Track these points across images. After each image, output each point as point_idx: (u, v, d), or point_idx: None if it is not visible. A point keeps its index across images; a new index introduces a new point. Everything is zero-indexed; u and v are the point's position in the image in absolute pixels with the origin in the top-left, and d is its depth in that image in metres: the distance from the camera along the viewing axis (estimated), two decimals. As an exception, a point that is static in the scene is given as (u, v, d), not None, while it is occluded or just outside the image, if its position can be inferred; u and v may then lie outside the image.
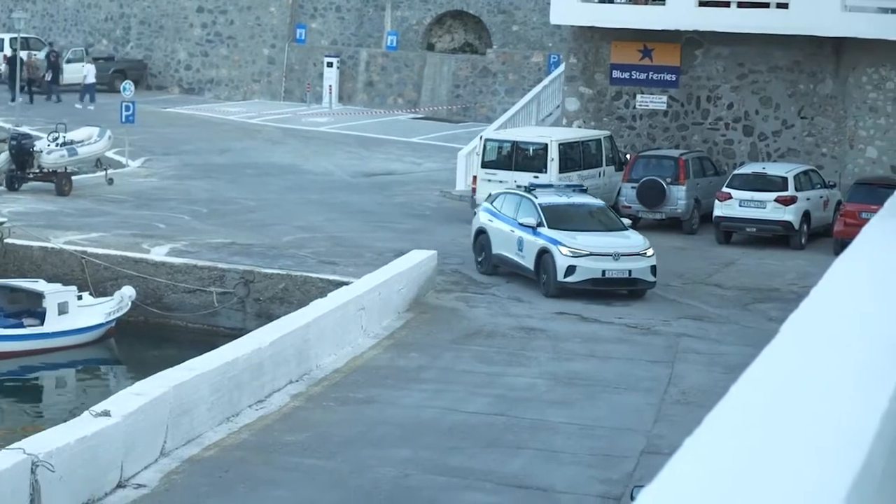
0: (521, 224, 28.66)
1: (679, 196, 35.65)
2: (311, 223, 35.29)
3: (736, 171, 35.90)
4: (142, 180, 41.25)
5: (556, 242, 27.87)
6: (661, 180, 35.55)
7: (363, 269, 28.12)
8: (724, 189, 34.75)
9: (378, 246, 32.28)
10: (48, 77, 57.18)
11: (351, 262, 30.37)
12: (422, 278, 27.78)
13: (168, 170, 43.19)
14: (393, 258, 28.70)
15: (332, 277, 28.78)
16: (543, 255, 28.17)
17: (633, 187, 35.72)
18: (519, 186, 30.93)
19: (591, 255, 27.85)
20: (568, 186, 30.67)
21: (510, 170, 35.77)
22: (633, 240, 28.52)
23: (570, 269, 27.75)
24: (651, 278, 28.19)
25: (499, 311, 26.98)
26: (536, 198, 29.04)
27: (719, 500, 4.22)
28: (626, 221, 29.49)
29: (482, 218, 30.39)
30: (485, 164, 35.98)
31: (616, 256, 27.96)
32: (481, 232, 30.20)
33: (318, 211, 37.13)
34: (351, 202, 38.75)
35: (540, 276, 28.30)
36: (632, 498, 13.23)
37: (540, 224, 28.40)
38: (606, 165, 37.38)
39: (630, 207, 35.86)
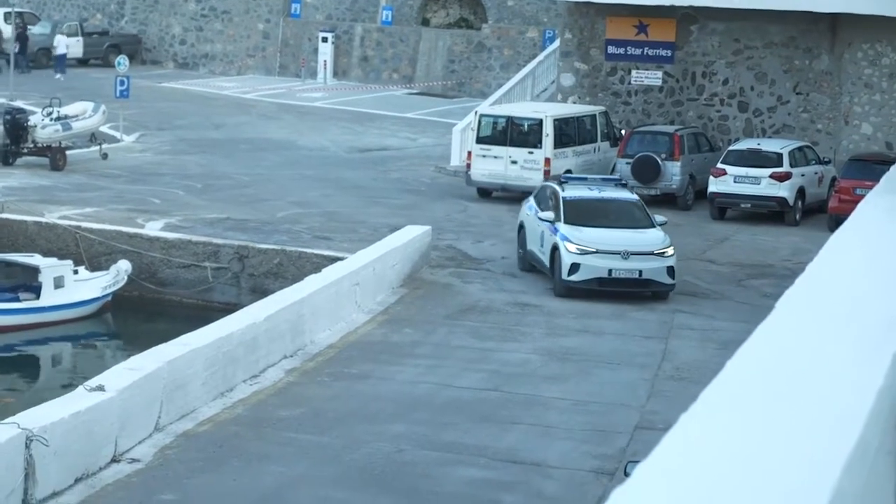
0: (540, 219, 26.90)
1: (674, 172, 35.65)
2: (305, 198, 35.26)
3: (731, 147, 35.89)
4: (136, 155, 41.18)
5: (564, 238, 25.99)
6: (655, 156, 35.54)
7: (358, 245, 28.11)
8: (719, 165, 34.75)
9: (373, 221, 32.26)
10: (16, 49, 57.17)
11: (345, 238, 30.36)
12: (416, 254, 27.77)
13: (162, 145, 43.12)
14: (387, 234, 28.68)
15: (326, 253, 28.77)
16: (555, 251, 26.33)
17: (627, 163, 35.71)
18: (558, 176, 29.20)
19: (598, 252, 25.77)
20: (605, 180, 28.62)
21: (505, 145, 35.76)
22: (652, 238, 26.19)
23: (574, 267, 25.74)
24: (668, 280, 25.94)
25: (493, 287, 26.99)
26: (563, 191, 27.03)
27: (714, 476, 4.22)
28: (660, 219, 26.95)
29: (523, 211, 28.76)
30: (480, 140, 35.96)
31: (625, 255, 25.75)
32: (521, 227, 28.53)
33: (313, 186, 37.09)
34: (345, 177, 38.71)
35: (553, 275, 26.59)
36: (625, 473, 13.23)
37: (558, 219, 26.42)
38: (601, 141, 37.39)
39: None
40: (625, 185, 27.98)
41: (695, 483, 4.15)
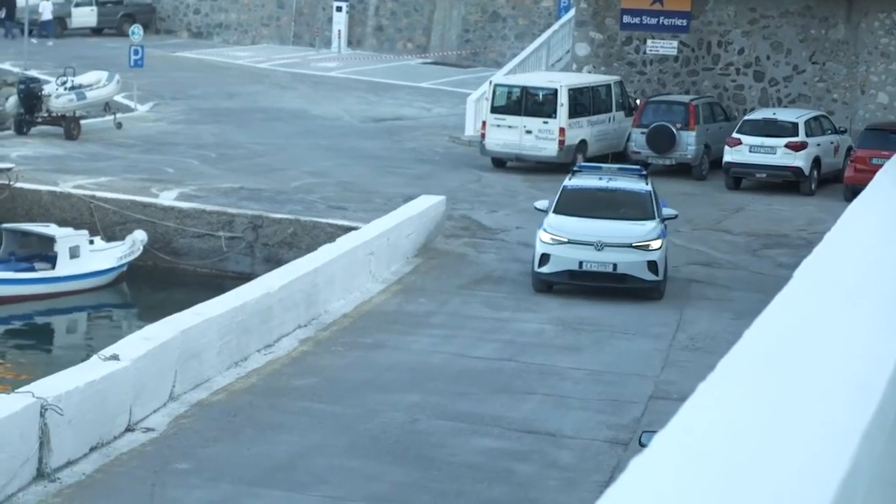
0: (536, 208, 25.38)
1: (689, 142, 35.54)
2: (319, 168, 35.22)
3: (746, 117, 35.76)
4: (150, 125, 41.15)
5: (541, 227, 24.23)
6: (670, 126, 35.43)
7: (372, 215, 28.07)
8: (735, 135, 34.64)
9: (387, 191, 32.21)
10: (2, 14, 57.16)
11: (360, 208, 30.32)
12: (431, 224, 27.72)
13: (177, 114, 43.08)
14: (402, 203, 28.64)
15: (340, 222, 28.74)
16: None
17: (642, 133, 35.62)
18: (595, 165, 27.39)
19: (570, 242, 23.71)
20: (623, 170, 26.40)
21: (520, 115, 35.69)
22: (637, 230, 23.98)
23: (545, 258, 23.80)
24: (648, 276, 23.69)
25: (507, 257, 26.95)
26: (570, 179, 25.25)
27: (732, 446, 4.19)
28: (668, 212, 24.98)
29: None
30: (494, 110, 35.89)
31: (599, 245, 23.61)
32: None
33: (327, 156, 37.04)
34: (360, 147, 38.65)
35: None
36: (640, 443, 13.20)
37: (550, 208, 24.68)
38: (616, 111, 37.27)
39: (640, 153, 35.78)
40: (644, 176, 25.53)
41: (712, 453, 4.12)
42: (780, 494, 3.85)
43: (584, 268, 23.67)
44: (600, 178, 25.22)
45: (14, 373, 24.08)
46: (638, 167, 27.11)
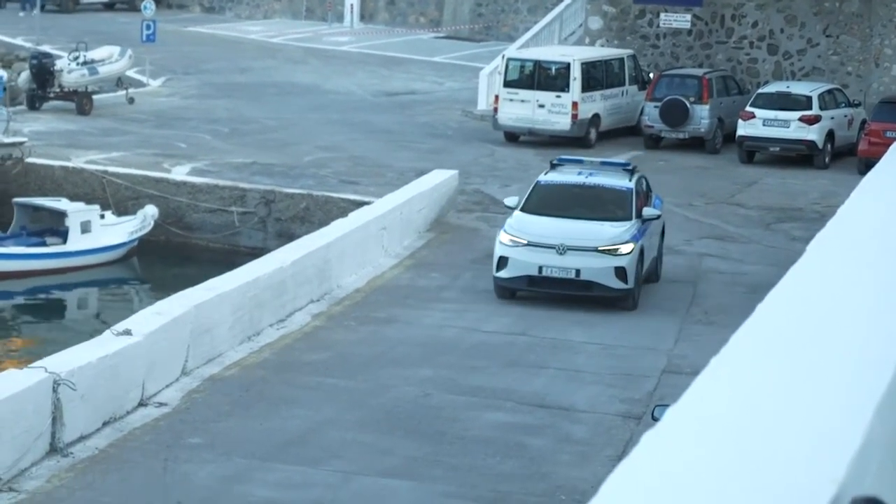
0: (505, 206, 23.14)
1: (702, 115, 35.43)
2: (332, 143, 35.17)
3: (760, 90, 35.64)
4: (163, 99, 41.12)
5: (503, 227, 22.21)
6: (684, 99, 35.33)
7: (384, 189, 28.03)
8: (748, 108, 34.53)
9: (399, 166, 32.17)
10: None
11: (372, 182, 30.29)
12: (443, 198, 27.68)
13: (189, 89, 43.04)
14: (414, 178, 28.59)
15: (353, 197, 28.71)
16: None
17: (655, 106, 35.53)
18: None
19: (529, 244, 21.52)
20: (606, 164, 24.01)
21: (532, 89, 35.61)
22: (607, 232, 21.67)
23: (503, 262, 21.63)
24: (615, 284, 21.33)
25: (520, 231, 26.86)
26: (545, 174, 23.25)
27: (745, 419, 4.15)
28: (650, 212, 22.47)
29: None
30: (507, 84, 35.82)
31: (561, 249, 21.34)
32: None
33: (340, 131, 36.98)
34: (372, 122, 38.59)
35: None
36: (653, 417, 13.15)
37: (518, 205, 22.57)
38: (629, 85, 37.18)
39: (653, 127, 35.70)
40: (630, 171, 23.06)
41: (724, 427, 4.09)
42: (793, 469, 3.82)
43: (544, 273, 21.39)
44: (579, 174, 22.92)
45: (26, 348, 24.11)
46: (624, 161, 24.58)
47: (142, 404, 16.18)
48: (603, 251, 21.36)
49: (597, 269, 21.32)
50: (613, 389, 17.84)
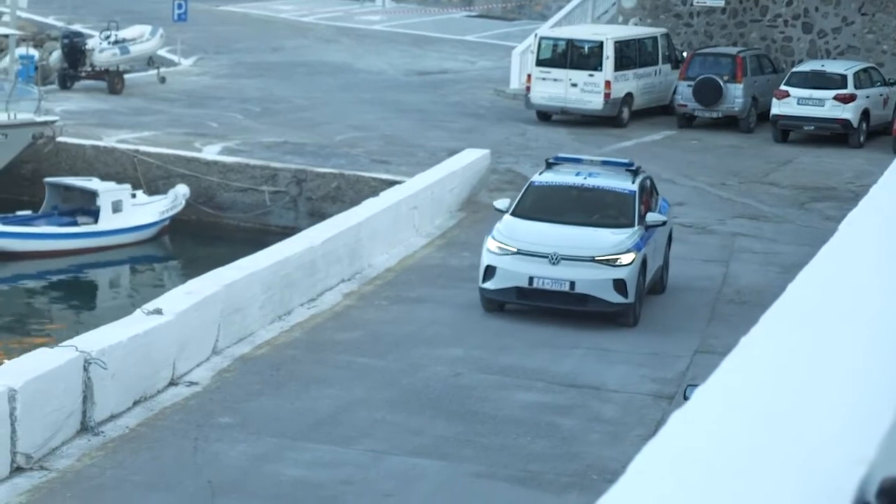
0: (496, 209, 21.10)
1: (736, 94, 35.25)
2: (363, 122, 35.12)
3: (794, 69, 35.44)
4: (194, 79, 41.13)
5: (491, 233, 20.24)
6: (717, 78, 35.16)
7: (416, 169, 27.97)
8: (782, 87, 34.35)
9: (431, 145, 32.10)
10: None
11: (404, 161, 30.24)
12: (475, 177, 27.61)
13: (220, 68, 43.05)
14: (446, 157, 28.53)
15: (384, 176, 28.67)
16: None
17: (689, 85, 35.36)
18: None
19: (519, 253, 19.62)
20: (608, 163, 21.85)
21: (565, 68, 35.49)
22: (606, 240, 19.70)
23: (490, 272, 19.72)
24: (614, 299, 19.33)
25: (552, 211, 26.77)
26: (540, 174, 21.27)
27: (774, 398, 4.08)
28: (655, 217, 20.53)
29: None
30: (539, 63, 35.70)
31: (554, 258, 19.39)
32: None
33: (371, 110, 36.93)
34: (404, 101, 38.52)
35: None
36: (684, 397, 13.07)
37: (509, 209, 20.67)
38: (662, 64, 37.00)
39: (686, 106, 35.55)
40: (634, 171, 21.01)
41: (753, 406, 4.02)
42: (822, 448, 3.75)
43: (535, 285, 19.43)
44: (577, 174, 20.92)
45: (57, 327, 24.18)
46: (627, 161, 22.00)
47: (172, 383, 16.18)
48: (601, 261, 19.37)
49: (593, 281, 19.29)
50: (644, 369, 17.76)
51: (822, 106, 33.90)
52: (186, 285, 17.80)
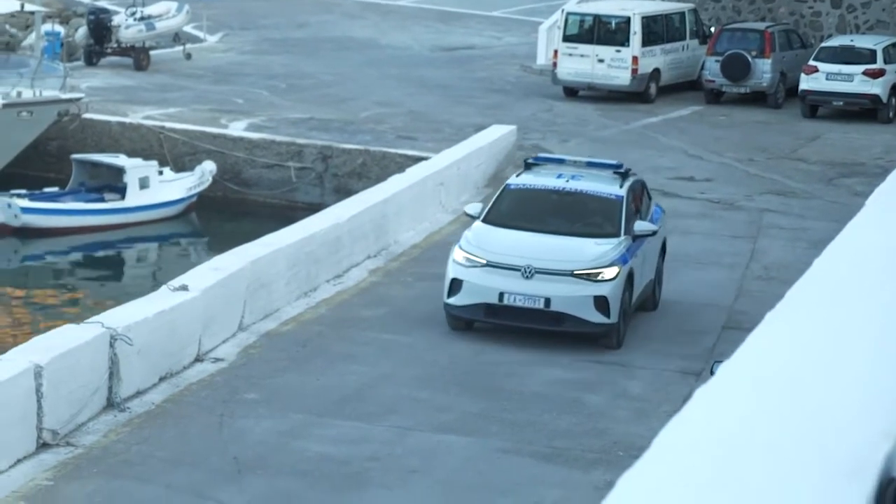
0: (466, 214, 19.17)
1: (764, 69, 35.08)
2: (389, 98, 35.06)
3: (823, 44, 35.24)
4: (220, 55, 41.12)
5: (459, 243, 18.12)
6: (745, 53, 34.98)
7: (442, 145, 27.91)
8: (811, 62, 34.16)
9: (457, 121, 32.03)
10: None
11: (430, 138, 30.18)
12: (501, 153, 27.54)
13: (246, 44, 43.02)
14: (472, 133, 28.46)
15: (410, 153, 28.63)
16: None
17: (717, 61, 35.21)
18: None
19: (489, 265, 17.49)
20: (594, 164, 19.50)
21: (592, 43, 35.36)
22: (587, 251, 17.55)
23: (455, 286, 17.60)
24: (594, 318, 17.22)
25: (579, 187, 26.67)
26: (517, 176, 19.16)
27: (799, 374, 4.03)
28: (643, 226, 18.28)
29: None
30: (566, 38, 35.58)
31: (527, 272, 17.28)
32: None
33: (397, 86, 36.86)
34: (430, 77, 38.44)
35: None
36: (712, 373, 13.00)
37: (480, 215, 18.47)
38: (690, 39, 36.83)
39: (714, 81, 35.39)
40: (623, 174, 18.85)
41: (779, 382, 3.97)
42: (849, 421, 3.70)
43: (506, 301, 17.32)
44: (559, 177, 18.80)
45: (84, 303, 24.23)
46: (616, 162, 19.62)
47: (198, 360, 16.18)
48: (580, 275, 17.29)
49: (571, 297, 17.22)
50: (672, 345, 17.69)
51: (851, 81, 33.71)
52: (212, 261, 17.80)
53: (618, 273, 17.35)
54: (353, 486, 13.10)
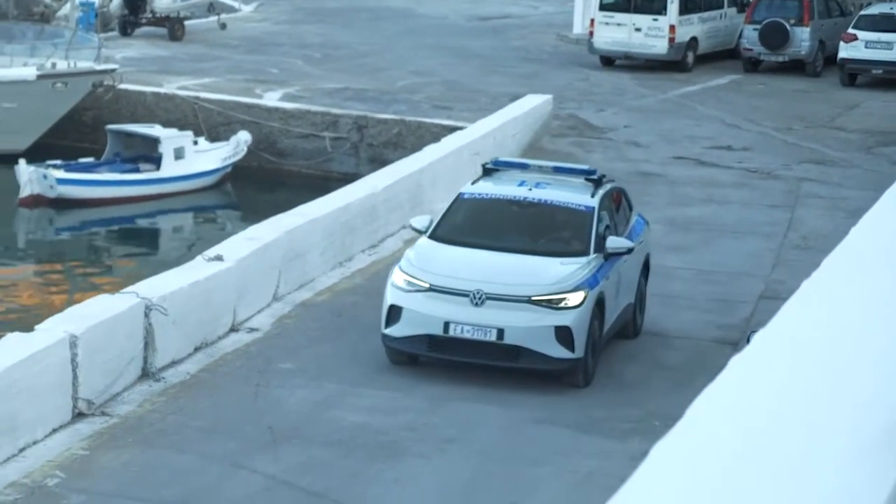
0: (412, 228, 16.36)
1: (803, 38, 34.83)
2: (425, 68, 34.96)
3: (862, 12, 34.97)
4: (255, 25, 41.09)
5: (399, 263, 15.61)
6: (784, 21, 34.74)
7: (477, 114, 27.82)
8: (850, 30, 33.90)
9: (493, 91, 31.92)
10: None
11: (465, 107, 30.08)
12: (537, 123, 27.43)
13: (281, 14, 42.98)
14: (508, 103, 28.35)
15: (445, 122, 28.55)
16: None
17: (755, 29, 34.99)
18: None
19: (432, 289, 14.98)
20: (562, 170, 16.97)
21: (629, 12, 35.18)
22: (548, 272, 14.94)
23: (394, 313, 15.14)
24: (555, 353, 14.68)
25: (615, 156, 26.60)
26: (473, 183, 16.63)
27: (835, 343, 3.95)
28: (617, 243, 15.57)
29: None
30: (603, 7, 35.41)
31: (477, 297, 14.77)
32: None
33: (433, 55, 36.76)
34: (466, 46, 38.31)
35: None
36: (748, 342, 12.83)
37: (427, 229, 15.91)
38: (728, 7, 36.62)
39: (752, 50, 35.17)
40: (595, 181, 16.32)
41: (813, 351, 3.90)
42: (883, 390, 3.63)
43: (452, 333, 14.81)
44: (521, 184, 16.29)
45: (119, 273, 24.28)
46: (587, 168, 17.16)
47: (233, 330, 16.18)
48: (539, 302, 14.73)
49: (528, 328, 14.66)
50: (709, 315, 17.60)
51: (891, 49, 33.46)
52: (247, 231, 17.79)
53: (584, 299, 14.77)
54: (389, 455, 13.08)
